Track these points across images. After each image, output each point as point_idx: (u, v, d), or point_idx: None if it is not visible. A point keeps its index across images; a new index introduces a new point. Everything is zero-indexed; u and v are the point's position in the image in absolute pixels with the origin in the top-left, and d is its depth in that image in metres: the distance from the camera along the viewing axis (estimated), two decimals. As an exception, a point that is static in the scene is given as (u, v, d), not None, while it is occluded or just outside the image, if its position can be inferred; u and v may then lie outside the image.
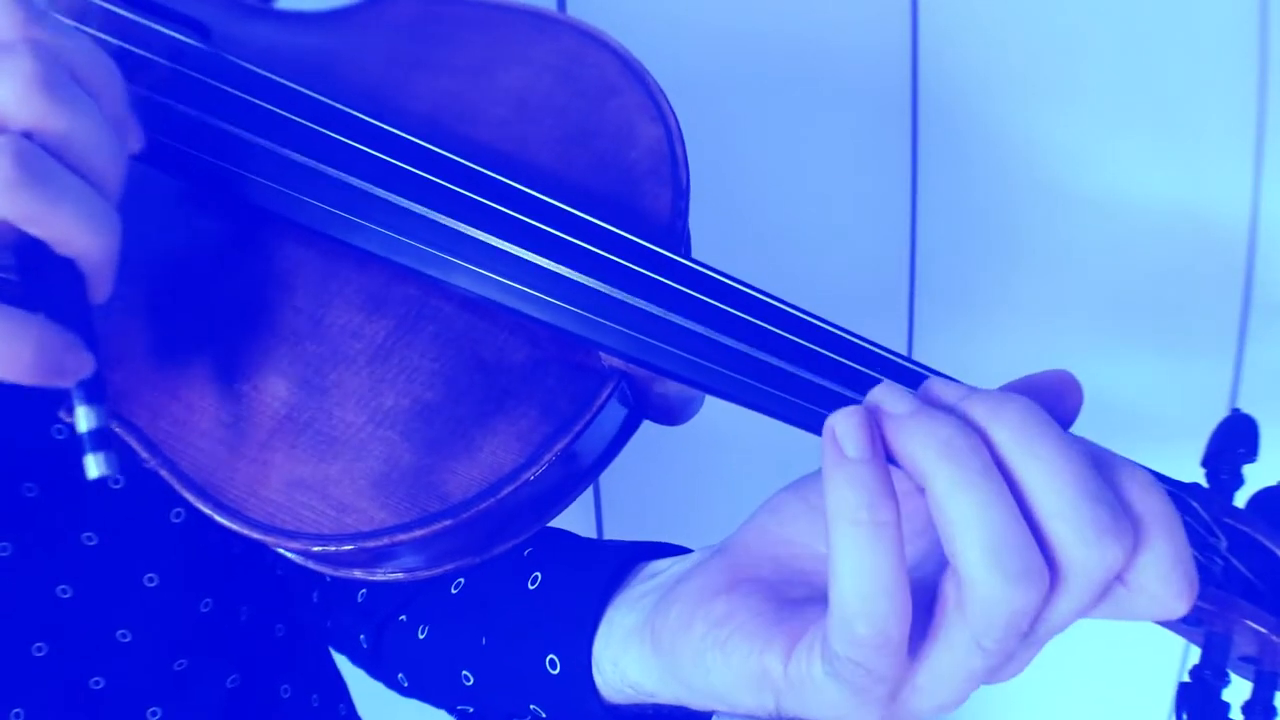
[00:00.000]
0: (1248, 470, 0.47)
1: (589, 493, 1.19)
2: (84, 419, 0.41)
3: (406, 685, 0.68)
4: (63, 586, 0.64)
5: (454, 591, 0.64)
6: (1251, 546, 0.44)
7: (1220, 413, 0.49)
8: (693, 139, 0.52)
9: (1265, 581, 0.44)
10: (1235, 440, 0.46)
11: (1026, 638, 0.39)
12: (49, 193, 0.38)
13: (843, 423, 0.38)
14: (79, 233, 0.40)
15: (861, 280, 1.17)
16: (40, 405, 0.61)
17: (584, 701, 0.54)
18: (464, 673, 0.61)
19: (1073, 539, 0.37)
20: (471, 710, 0.63)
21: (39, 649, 0.63)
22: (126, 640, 0.66)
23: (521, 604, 0.59)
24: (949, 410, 0.39)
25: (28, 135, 0.39)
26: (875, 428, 0.38)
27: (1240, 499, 0.47)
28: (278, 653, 0.75)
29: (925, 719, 0.41)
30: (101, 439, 0.41)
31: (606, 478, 1.19)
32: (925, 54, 1.10)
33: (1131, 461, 0.41)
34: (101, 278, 0.42)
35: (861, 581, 0.37)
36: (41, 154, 0.39)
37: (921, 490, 0.38)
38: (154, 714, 0.67)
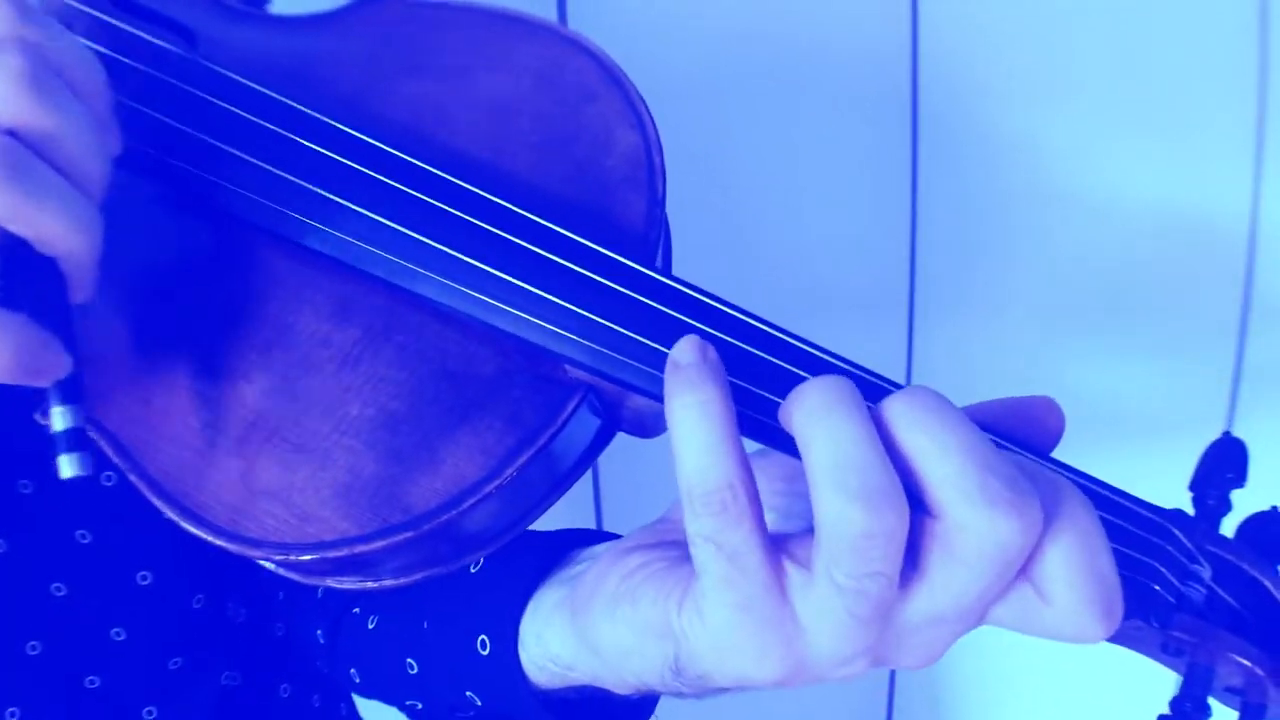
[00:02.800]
0: (1237, 495, 0.46)
1: (589, 495, 1.19)
2: (59, 419, 0.41)
3: (359, 681, 0.67)
4: (57, 585, 0.64)
5: (404, 585, 0.64)
6: (1237, 576, 0.44)
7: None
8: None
9: (1252, 612, 0.43)
10: (1224, 465, 0.46)
11: (911, 608, 0.39)
12: (33, 190, 0.38)
13: (678, 345, 0.41)
14: (62, 232, 0.40)
15: (861, 281, 1.17)
16: (34, 402, 0.61)
17: (511, 682, 0.54)
18: (408, 660, 0.61)
19: (958, 501, 0.37)
20: (420, 706, 0.63)
21: (33, 648, 0.63)
22: (121, 639, 0.66)
23: (462, 588, 0.59)
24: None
25: (11, 133, 0.39)
26: (706, 346, 0.41)
27: (1230, 526, 0.46)
28: (277, 652, 0.75)
29: (825, 673, 0.41)
30: (76, 439, 0.41)
31: (605, 479, 1.20)
32: (925, 56, 1.09)
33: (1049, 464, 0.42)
34: (82, 278, 0.42)
35: (695, 448, 0.39)
36: (25, 151, 0.39)
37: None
38: (149, 713, 0.67)
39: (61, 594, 0.64)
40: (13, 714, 0.63)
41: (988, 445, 0.38)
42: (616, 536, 0.56)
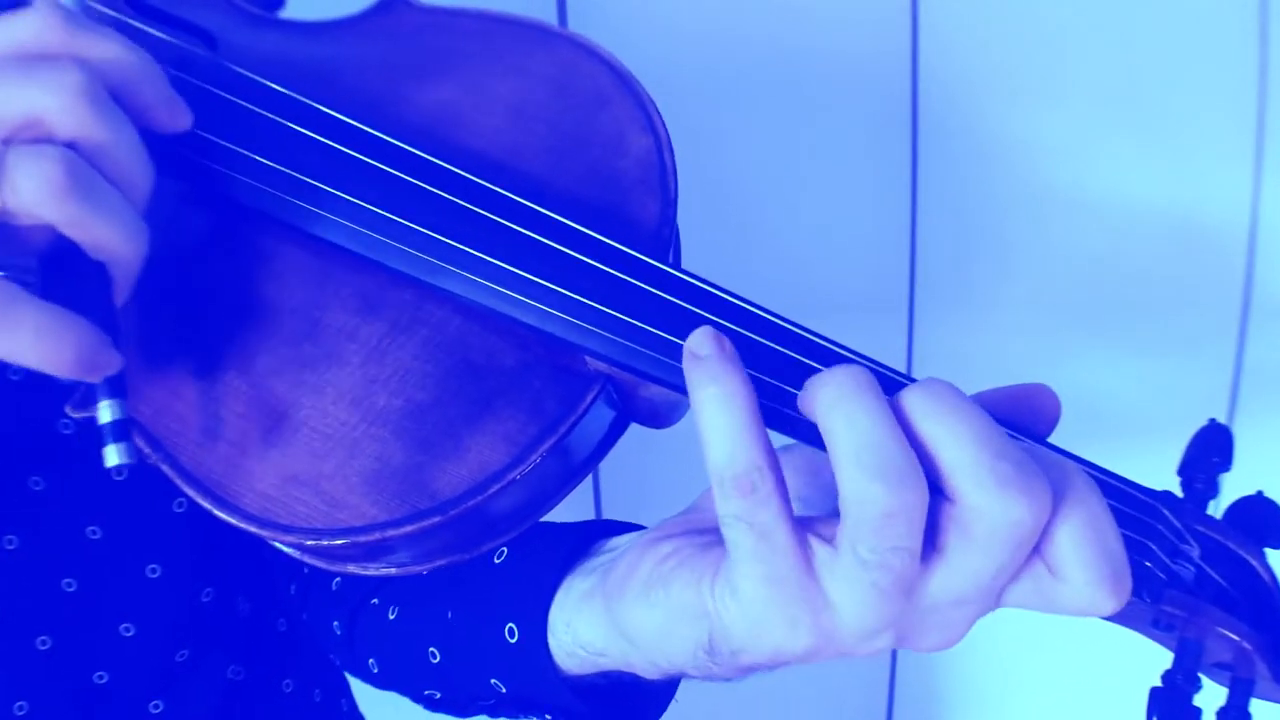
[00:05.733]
0: (1225, 478, 0.48)
1: (589, 489, 1.20)
2: (107, 412, 0.44)
3: (377, 671, 0.69)
4: (67, 580, 0.64)
5: (424, 572, 0.65)
6: (1225, 555, 0.45)
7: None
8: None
9: (1239, 590, 0.45)
10: (1210, 450, 0.47)
11: (933, 586, 0.41)
12: (92, 199, 0.41)
13: (694, 337, 0.43)
14: (114, 238, 0.42)
15: (862, 280, 1.17)
16: (47, 400, 0.62)
17: (540, 668, 0.55)
18: (430, 649, 0.63)
19: (973, 486, 0.40)
20: (439, 696, 0.65)
21: (43, 642, 0.64)
22: (130, 634, 0.66)
23: (486, 578, 0.61)
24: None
25: (71, 146, 0.41)
26: (721, 338, 0.43)
27: (1220, 509, 0.48)
28: (280, 647, 0.76)
29: (852, 646, 0.43)
30: (121, 430, 0.44)
31: (606, 474, 1.20)
32: (925, 57, 1.10)
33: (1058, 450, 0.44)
34: (127, 280, 0.44)
35: (722, 435, 0.41)
36: (85, 164, 0.41)
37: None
38: (156, 707, 0.68)
39: (72, 589, 0.65)
40: (21, 708, 0.64)
41: (999, 432, 0.40)
42: (640, 527, 0.57)
